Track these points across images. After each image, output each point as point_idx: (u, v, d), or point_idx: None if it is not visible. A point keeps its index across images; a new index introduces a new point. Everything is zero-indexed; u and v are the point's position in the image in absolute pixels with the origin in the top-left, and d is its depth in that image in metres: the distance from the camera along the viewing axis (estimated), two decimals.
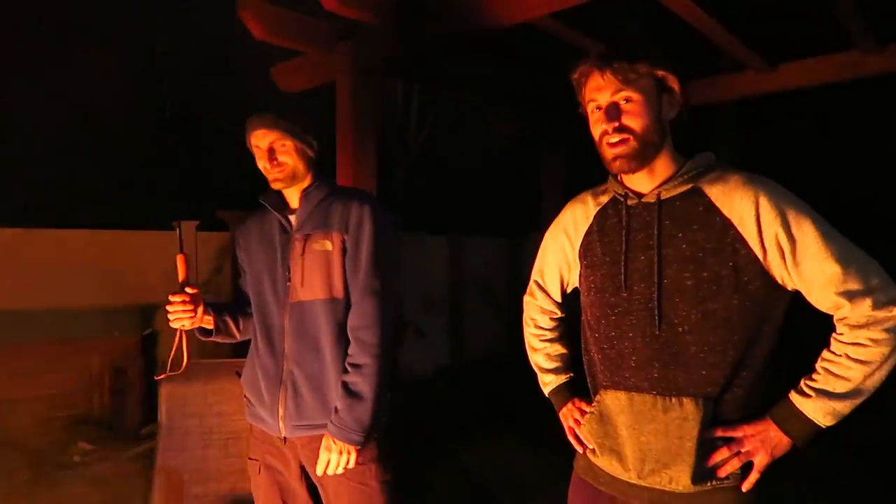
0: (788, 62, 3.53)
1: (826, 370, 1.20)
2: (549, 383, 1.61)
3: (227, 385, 2.37)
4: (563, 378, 1.59)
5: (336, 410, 1.66)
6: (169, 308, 1.73)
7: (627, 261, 1.33)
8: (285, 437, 1.75)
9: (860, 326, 1.18)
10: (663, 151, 1.32)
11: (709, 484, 1.25)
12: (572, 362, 1.60)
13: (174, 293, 1.73)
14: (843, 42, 3.25)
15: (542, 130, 4.53)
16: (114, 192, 7.06)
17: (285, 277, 1.75)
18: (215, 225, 5.35)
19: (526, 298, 1.69)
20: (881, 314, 1.16)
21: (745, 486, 1.24)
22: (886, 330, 1.16)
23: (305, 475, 1.78)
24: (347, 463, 1.65)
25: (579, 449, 1.48)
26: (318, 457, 1.68)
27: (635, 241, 1.33)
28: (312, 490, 1.79)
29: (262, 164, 1.76)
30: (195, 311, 1.75)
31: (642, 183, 1.35)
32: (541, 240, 1.64)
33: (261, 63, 3.95)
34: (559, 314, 1.64)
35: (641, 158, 1.29)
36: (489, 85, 3.86)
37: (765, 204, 1.22)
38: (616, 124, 1.28)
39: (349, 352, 1.70)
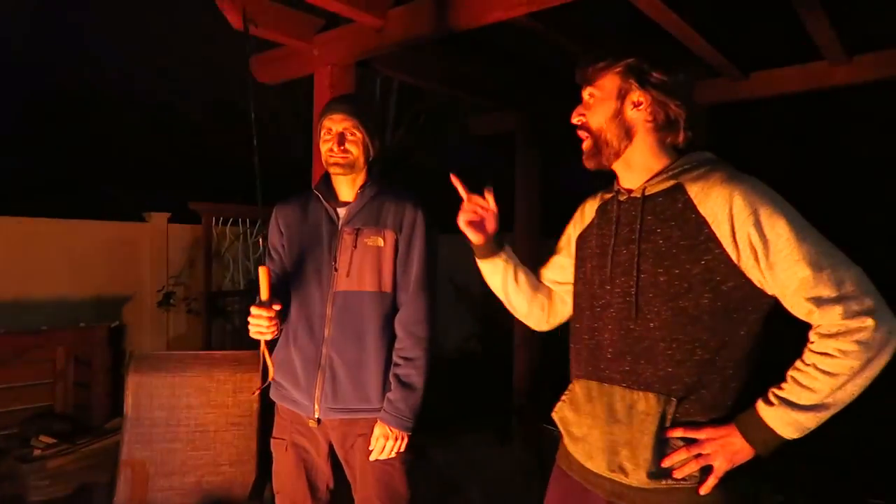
0: (760, 70, 3.60)
1: (794, 379, 1.16)
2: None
3: (195, 378, 2.34)
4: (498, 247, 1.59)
5: (390, 400, 1.81)
6: (251, 320, 1.73)
7: (614, 255, 1.35)
8: (319, 419, 1.85)
9: (830, 336, 1.12)
10: (638, 149, 1.34)
11: (664, 482, 1.23)
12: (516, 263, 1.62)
13: (258, 306, 1.71)
14: (812, 53, 3.33)
15: (519, 128, 4.55)
16: (81, 182, 6.92)
17: (331, 267, 1.85)
18: (188, 217, 5.28)
19: None
20: (853, 324, 1.10)
21: (703, 490, 1.22)
22: (857, 342, 1.10)
23: (332, 454, 1.92)
24: (400, 447, 1.81)
25: (475, 240, 1.53)
26: (349, 438, 1.85)
27: (621, 235, 1.35)
28: (335, 468, 1.93)
29: (327, 146, 1.86)
30: (277, 324, 1.75)
31: (630, 179, 1.38)
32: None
33: (237, 56, 3.91)
34: (542, 281, 1.67)
35: (597, 156, 1.35)
36: (467, 82, 3.87)
37: (738, 202, 1.18)
38: (578, 123, 1.36)
39: (400, 345, 1.83)
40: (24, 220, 4.46)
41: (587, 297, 1.42)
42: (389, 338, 1.86)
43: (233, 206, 5.38)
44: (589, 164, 1.37)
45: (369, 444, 1.82)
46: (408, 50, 3.13)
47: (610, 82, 1.33)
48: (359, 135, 1.86)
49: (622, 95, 1.32)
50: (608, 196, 1.47)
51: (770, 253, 1.15)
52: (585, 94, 1.36)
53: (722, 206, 1.20)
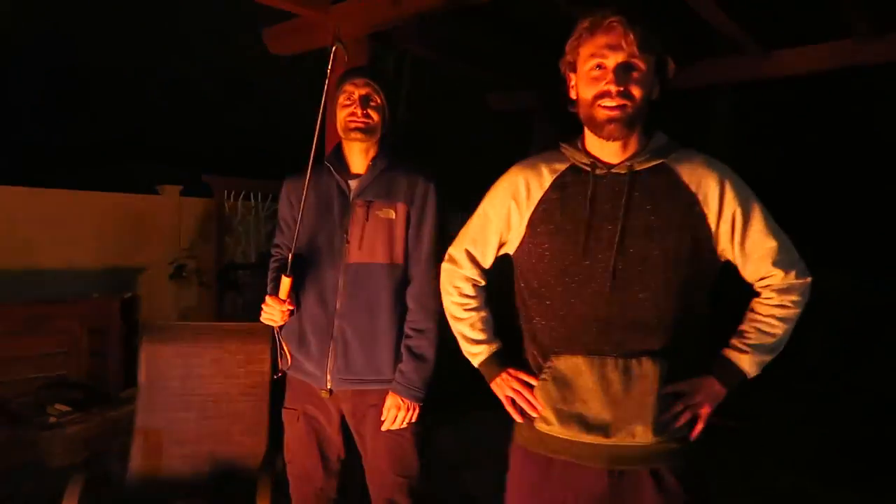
0: (784, 48, 3.52)
1: (757, 329, 1.41)
2: (477, 354, 1.58)
3: (208, 348, 2.35)
4: (493, 347, 1.57)
5: (402, 371, 1.83)
6: (265, 308, 1.83)
7: (591, 229, 1.37)
8: (331, 390, 1.87)
9: (786, 291, 1.39)
10: (639, 128, 1.38)
11: (665, 435, 1.36)
12: (497, 330, 1.61)
13: (274, 298, 1.81)
14: (839, 30, 3.25)
15: (536, 104, 4.49)
16: (96, 155, 6.95)
17: (343, 239, 1.85)
18: (201, 190, 5.29)
19: (446, 266, 1.64)
20: (799, 282, 1.39)
21: (694, 435, 1.40)
22: (801, 294, 1.40)
23: (343, 425, 1.93)
24: (411, 418, 1.83)
25: (518, 418, 1.50)
26: (360, 409, 1.87)
27: (601, 210, 1.37)
28: (346, 439, 1.95)
29: (347, 111, 1.84)
30: (288, 315, 1.84)
31: (613, 154, 1.39)
32: None
33: (250, 29, 3.87)
34: (483, 283, 1.62)
35: (631, 127, 1.34)
36: (484, 57, 3.81)
37: (729, 186, 1.36)
38: (622, 88, 1.29)
39: (411, 317, 1.84)
40: (40, 192, 4.49)
41: (556, 274, 1.40)
42: (401, 309, 1.86)
43: (245, 181, 5.38)
44: (620, 132, 1.32)
45: (381, 414, 1.83)
46: (424, 23, 3.08)
47: (652, 60, 1.32)
48: (379, 101, 1.86)
49: (654, 76, 1.34)
50: (560, 167, 1.45)
51: (747, 228, 1.36)
52: (633, 61, 1.29)
53: (714, 188, 1.36)
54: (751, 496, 3.25)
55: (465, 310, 1.60)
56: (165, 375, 2.32)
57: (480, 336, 1.58)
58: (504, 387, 1.51)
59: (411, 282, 1.88)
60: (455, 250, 1.62)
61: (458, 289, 1.61)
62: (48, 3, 7.14)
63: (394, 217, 1.85)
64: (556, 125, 4.41)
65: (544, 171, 1.47)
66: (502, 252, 1.57)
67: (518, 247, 1.50)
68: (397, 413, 1.81)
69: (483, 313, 1.60)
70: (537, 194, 1.46)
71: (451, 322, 1.64)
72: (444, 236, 1.90)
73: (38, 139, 6.96)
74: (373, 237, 1.84)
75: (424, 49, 3.53)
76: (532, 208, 1.46)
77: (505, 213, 1.51)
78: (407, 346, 1.84)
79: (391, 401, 1.82)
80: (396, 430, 1.83)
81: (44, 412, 3.50)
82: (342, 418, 1.92)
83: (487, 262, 1.60)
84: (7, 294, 4.04)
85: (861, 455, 3.78)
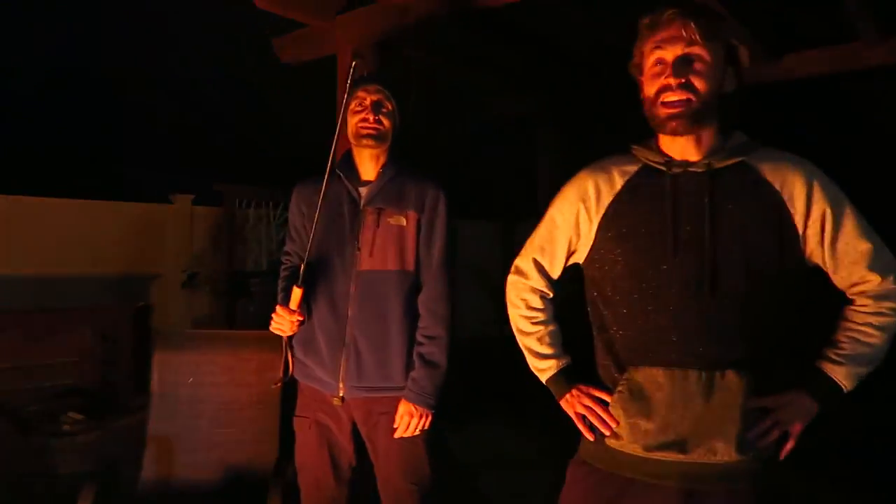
0: (791, 52, 3.51)
1: (852, 339, 1.30)
2: (546, 370, 1.50)
3: (219, 356, 2.37)
4: (562, 363, 1.49)
5: (414, 379, 1.83)
6: (275, 318, 1.85)
7: (670, 232, 1.29)
8: (343, 397, 1.87)
9: (883, 297, 1.28)
10: (713, 123, 1.31)
11: (750, 454, 1.27)
12: (566, 344, 1.53)
13: (284, 308, 1.84)
14: (846, 33, 3.24)
15: (541, 110, 4.50)
16: (109, 163, 7.01)
17: (354, 246, 1.86)
18: (212, 199, 5.33)
19: (513, 279, 1.56)
20: None
21: (784, 455, 1.32)
22: None
23: (354, 432, 1.93)
24: (424, 425, 1.83)
25: (589, 437, 1.41)
26: (372, 416, 1.88)
27: (681, 210, 1.30)
28: (358, 447, 1.95)
29: (359, 117, 1.85)
30: (297, 325, 1.86)
31: (688, 152, 1.33)
32: (538, 219, 1.55)
33: (257, 37, 3.90)
34: (551, 294, 1.54)
35: (696, 122, 1.27)
36: (490, 61, 3.83)
37: (818, 185, 1.27)
38: (682, 80, 1.24)
39: (423, 324, 1.85)
40: (53, 201, 4.54)
41: (633, 280, 1.33)
42: (412, 316, 1.87)
43: (256, 188, 5.42)
44: (683, 127, 1.26)
45: (392, 422, 1.83)
46: (431, 31, 3.10)
47: (720, 49, 1.27)
48: (391, 107, 1.87)
49: (725, 68, 1.29)
50: (632, 168, 1.39)
51: (838, 230, 1.27)
52: (692, 51, 1.24)
53: (801, 187, 1.27)
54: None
55: (533, 323, 1.52)
56: (178, 383, 2.33)
57: (549, 351, 1.49)
58: (575, 404, 1.43)
59: (422, 289, 1.88)
60: (522, 261, 1.54)
61: (525, 301, 1.53)
62: (63, 10, 7.23)
63: (405, 224, 1.86)
64: (561, 131, 4.42)
65: (615, 173, 1.40)
66: (571, 261, 1.50)
67: (588, 255, 1.44)
68: (410, 420, 1.81)
69: (552, 327, 1.52)
70: (608, 198, 1.39)
71: (518, 336, 1.55)
72: (453, 243, 1.93)
73: (49, 148, 7.03)
74: (384, 244, 1.85)
75: (431, 56, 3.55)
76: (602, 212, 1.40)
77: (573, 219, 1.44)
78: (419, 353, 1.85)
79: (403, 408, 1.82)
80: (408, 437, 1.84)
81: (56, 420, 3.52)
82: (353, 426, 1.93)
83: (556, 273, 1.52)
84: (20, 302, 4.08)
85: (870, 458, 3.74)
